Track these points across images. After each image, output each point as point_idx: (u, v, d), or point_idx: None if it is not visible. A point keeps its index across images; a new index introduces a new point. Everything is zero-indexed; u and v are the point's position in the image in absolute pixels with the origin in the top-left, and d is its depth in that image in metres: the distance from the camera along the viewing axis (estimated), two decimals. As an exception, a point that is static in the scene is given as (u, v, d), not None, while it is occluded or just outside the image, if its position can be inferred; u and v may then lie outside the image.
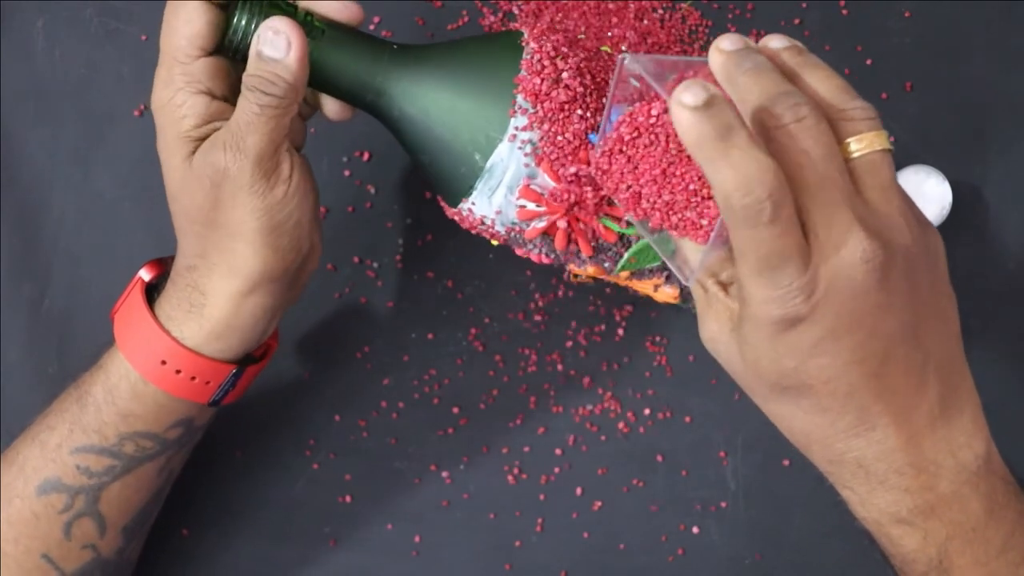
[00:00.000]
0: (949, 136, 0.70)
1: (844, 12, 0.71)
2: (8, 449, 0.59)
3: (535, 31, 0.56)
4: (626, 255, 0.57)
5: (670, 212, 0.49)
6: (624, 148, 0.50)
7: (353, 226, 0.70)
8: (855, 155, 0.45)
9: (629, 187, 0.50)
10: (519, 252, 0.58)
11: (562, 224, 0.55)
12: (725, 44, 0.46)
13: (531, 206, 0.55)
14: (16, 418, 0.68)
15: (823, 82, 0.46)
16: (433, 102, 0.54)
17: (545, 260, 0.58)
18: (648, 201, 0.50)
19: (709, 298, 0.49)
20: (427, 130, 0.55)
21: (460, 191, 0.56)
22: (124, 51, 0.70)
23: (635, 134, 0.50)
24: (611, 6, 0.69)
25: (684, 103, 0.43)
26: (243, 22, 0.52)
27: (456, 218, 0.58)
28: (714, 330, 0.49)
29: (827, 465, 0.48)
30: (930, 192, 0.67)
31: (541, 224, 0.55)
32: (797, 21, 0.71)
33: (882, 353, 0.45)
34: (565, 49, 0.55)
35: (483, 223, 0.57)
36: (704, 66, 0.47)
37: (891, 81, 0.70)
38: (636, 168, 0.50)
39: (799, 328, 0.44)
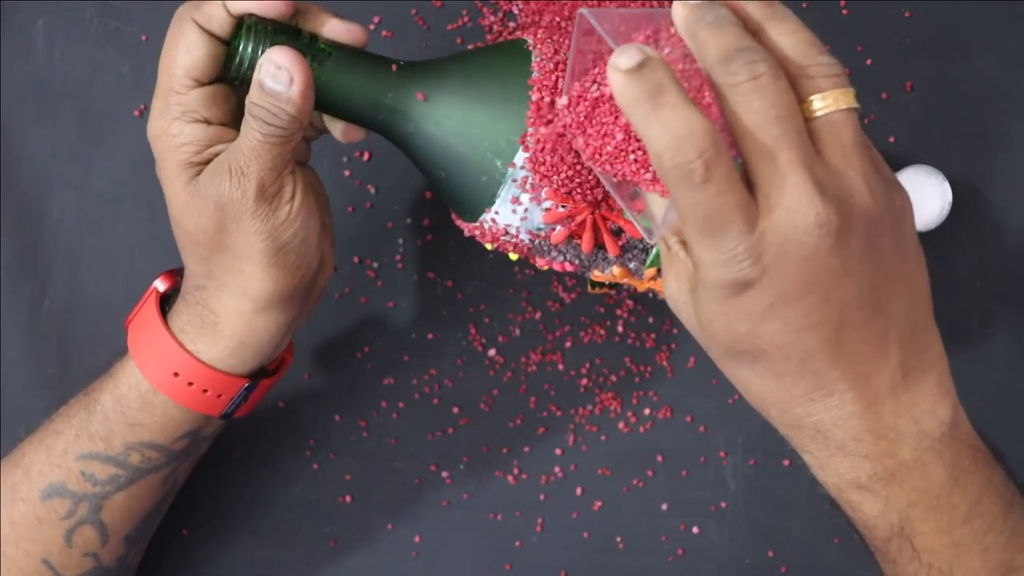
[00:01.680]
0: (949, 136, 0.70)
1: (844, 12, 0.71)
2: (14, 451, 0.59)
3: (539, 34, 0.55)
4: (653, 251, 0.56)
5: (632, 166, 0.48)
6: (584, 105, 0.50)
7: (353, 226, 0.70)
8: (818, 113, 0.43)
9: (593, 143, 0.50)
10: (541, 263, 0.57)
11: (588, 221, 0.55)
12: None
13: (556, 208, 0.54)
14: (16, 418, 0.68)
15: (789, 35, 0.44)
16: (448, 114, 0.53)
17: (568, 267, 0.57)
18: (610, 156, 0.49)
19: (671, 256, 0.48)
20: (444, 144, 0.54)
21: (482, 202, 0.55)
22: (124, 51, 0.70)
23: (594, 91, 0.49)
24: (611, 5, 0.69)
25: (617, 66, 0.42)
26: (248, 50, 0.51)
27: (476, 233, 0.57)
28: (674, 289, 0.47)
29: (786, 429, 0.47)
30: (930, 192, 0.67)
31: (566, 225, 0.55)
32: (797, 21, 0.71)
33: (838, 319, 0.44)
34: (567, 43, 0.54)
35: (507, 232, 0.56)
36: (666, 18, 0.46)
37: (891, 81, 0.70)
38: (597, 124, 0.49)
39: (749, 292, 0.43)
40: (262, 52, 0.51)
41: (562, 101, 0.51)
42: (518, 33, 0.58)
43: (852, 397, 0.45)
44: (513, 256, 0.58)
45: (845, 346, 0.44)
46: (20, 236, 0.70)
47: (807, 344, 0.44)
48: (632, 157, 0.48)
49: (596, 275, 0.58)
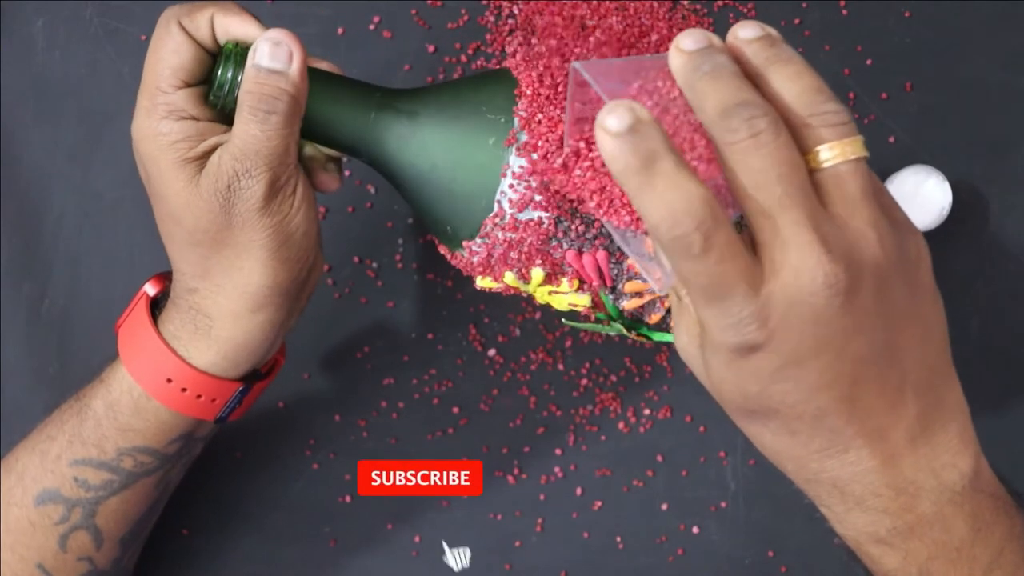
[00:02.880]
0: (949, 136, 0.70)
1: (844, 12, 0.71)
2: (8, 455, 0.59)
3: (522, 67, 0.54)
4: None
5: (635, 214, 0.48)
6: (587, 154, 0.50)
7: (353, 226, 0.70)
8: (824, 165, 0.41)
9: (596, 191, 0.50)
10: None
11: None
12: (686, 43, 0.42)
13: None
14: (16, 418, 0.68)
15: (792, 81, 0.42)
16: (430, 142, 0.53)
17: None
18: (616, 207, 0.49)
19: (681, 307, 0.46)
20: (426, 174, 0.53)
21: (463, 233, 0.54)
22: (124, 51, 0.70)
23: (593, 140, 0.49)
24: (612, 5, 0.69)
25: (607, 128, 0.39)
26: (229, 74, 0.51)
27: (460, 264, 0.57)
28: (685, 342, 0.46)
29: (803, 483, 0.46)
30: (930, 192, 0.67)
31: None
32: (797, 21, 0.71)
33: (851, 375, 0.42)
34: (554, 72, 0.54)
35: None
36: (665, 66, 0.44)
37: (891, 81, 0.70)
38: (600, 171, 0.49)
39: (758, 355, 0.41)
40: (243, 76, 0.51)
41: (564, 153, 0.50)
42: (507, 59, 0.58)
43: (869, 453, 0.43)
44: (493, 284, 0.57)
45: (860, 401, 0.43)
46: (20, 236, 0.70)
47: (820, 403, 0.43)
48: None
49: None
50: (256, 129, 0.50)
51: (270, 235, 0.52)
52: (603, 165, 0.49)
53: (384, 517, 0.70)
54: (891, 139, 0.70)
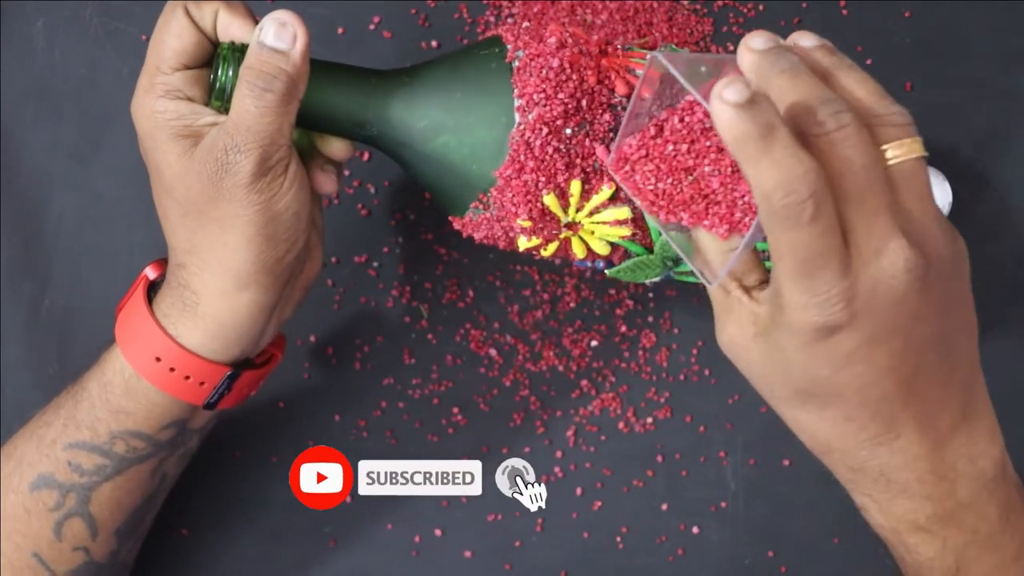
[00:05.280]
0: (949, 136, 0.70)
1: (844, 12, 0.71)
2: (7, 443, 0.59)
3: (513, 33, 0.55)
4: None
5: (698, 210, 0.49)
6: (648, 147, 0.50)
7: (353, 226, 0.70)
8: (892, 162, 0.44)
9: (653, 186, 0.50)
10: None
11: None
12: (756, 43, 0.45)
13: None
14: (16, 417, 0.68)
15: (859, 86, 0.45)
16: (430, 117, 0.54)
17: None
18: (674, 200, 0.49)
19: (730, 301, 0.48)
20: (429, 150, 0.54)
21: (470, 201, 0.55)
22: (124, 51, 0.70)
23: (660, 132, 0.50)
24: (612, 5, 0.69)
25: (726, 99, 0.41)
26: (231, 73, 0.52)
27: (468, 229, 0.57)
28: (735, 334, 0.48)
29: (847, 472, 0.48)
30: (930, 192, 0.67)
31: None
32: (796, 20, 0.71)
33: (915, 362, 0.45)
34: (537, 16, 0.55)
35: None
36: (734, 65, 0.46)
37: (891, 81, 0.69)
38: (661, 166, 0.50)
39: (838, 336, 0.44)
40: None
41: (621, 150, 0.51)
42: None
43: (918, 439, 0.46)
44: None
45: (916, 388, 0.45)
46: (20, 236, 0.70)
47: (886, 386, 0.45)
48: (704, 201, 0.49)
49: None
50: (251, 104, 0.51)
51: (257, 211, 0.52)
52: (666, 158, 0.50)
53: (384, 517, 0.70)
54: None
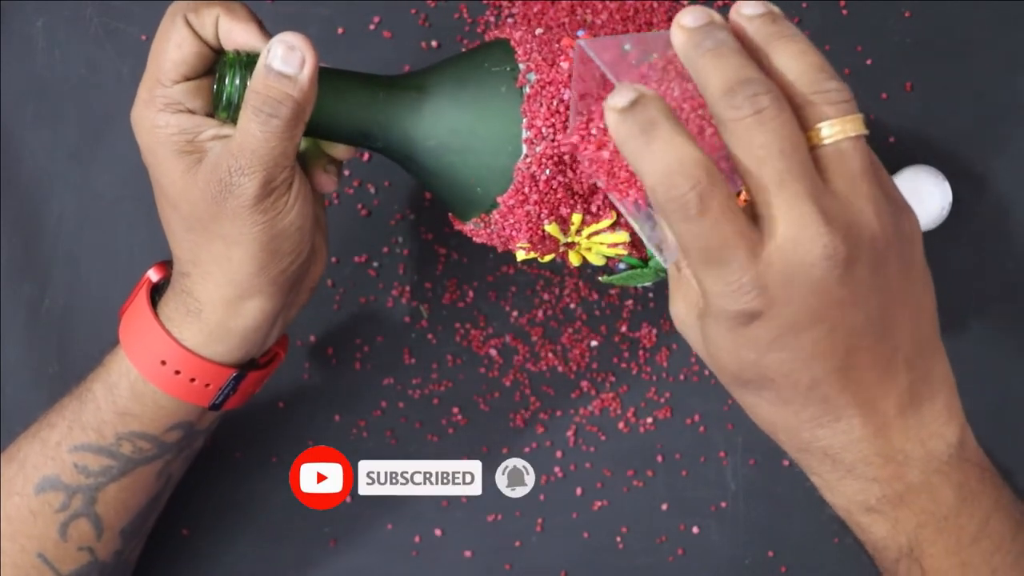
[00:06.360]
0: (949, 136, 0.70)
1: (844, 12, 0.71)
2: (10, 445, 0.59)
3: (520, 37, 0.55)
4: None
5: (641, 192, 0.48)
6: (597, 131, 0.50)
7: (353, 226, 0.70)
8: (826, 141, 0.42)
9: (607, 169, 0.50)
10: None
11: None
12: (687, 20, 0.43)
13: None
14: (16, 418, 0.68)
15: (796, 59, 0.43)
16: (439, 124, 0.53)
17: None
18: (623, 182, 0.49)
19: (681, 278, 0.48)
20: (438, 156, 0.54)
21: (480, 208, 0.55)
22: (124, 51, 0.70)
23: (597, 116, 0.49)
24: (612, 5, 0.69)
25: (612, 106, 0.42)
26: (236, 82, 0.51)
27: (473, 234, 0.57)
28: (682, 312, 0.47)
29: (795, 452, 0.47)
30: (930, 192, 0.67)
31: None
32: (796, 20, 0.71)
33: (845, 346, 0.43)
34: (547, 21, 0.54)
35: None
36: (667, 43, 0.45)
37: (891, 81, 0.70)
38: (611, 150, 0.49)
39: (756, 323, 0.43)
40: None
41: (571, 135, 0.51)
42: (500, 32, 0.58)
43: (860, 422, 0.45)
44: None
45: (853, 372, 0.44)
46: (20, 236, 0.70)
47: (815, 372, 0.44)
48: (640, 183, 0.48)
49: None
50: (256, 129, 0.50)
51: (261, 230, 0.52)
52: (607, 142, 0.49)
53: (384, 517, 0.70)
54: (891, 139, 0.70)
